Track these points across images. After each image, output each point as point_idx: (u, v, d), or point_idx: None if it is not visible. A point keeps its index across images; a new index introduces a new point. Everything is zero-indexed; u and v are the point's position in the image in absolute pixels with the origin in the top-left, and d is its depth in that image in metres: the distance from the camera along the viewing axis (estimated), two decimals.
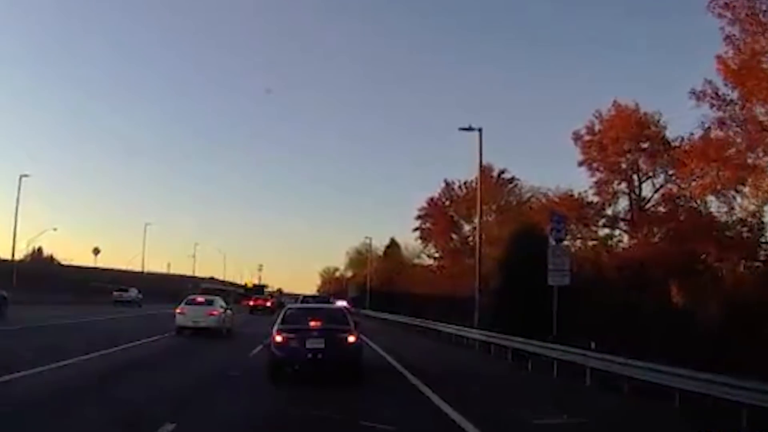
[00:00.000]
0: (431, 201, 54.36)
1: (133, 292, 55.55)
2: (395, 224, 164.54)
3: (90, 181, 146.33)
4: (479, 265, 26.84)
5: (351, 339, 12.22)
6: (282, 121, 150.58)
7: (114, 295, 53.47)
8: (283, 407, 10.16)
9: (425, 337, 30.74)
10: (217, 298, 26.37)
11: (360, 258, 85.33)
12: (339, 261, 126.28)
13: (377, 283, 70.46)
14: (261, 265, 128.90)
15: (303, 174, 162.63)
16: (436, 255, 56.20)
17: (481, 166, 26.94)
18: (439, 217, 53.60)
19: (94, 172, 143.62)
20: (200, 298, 25.40)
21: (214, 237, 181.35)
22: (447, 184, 54.57)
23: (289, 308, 14.72)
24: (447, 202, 53.82)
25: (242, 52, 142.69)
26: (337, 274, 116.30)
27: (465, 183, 54.57)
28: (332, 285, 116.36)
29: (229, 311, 25.59)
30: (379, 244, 77.54)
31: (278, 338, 11.94)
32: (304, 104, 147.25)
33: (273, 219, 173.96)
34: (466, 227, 53.46)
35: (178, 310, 23.43)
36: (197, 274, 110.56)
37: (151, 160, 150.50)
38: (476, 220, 31.69)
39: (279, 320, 12.85)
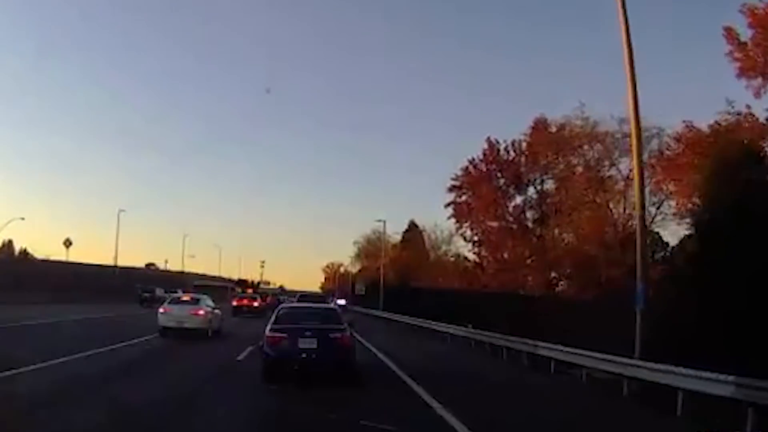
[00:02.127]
0: (472, 164, 40.80)
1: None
2: (407, 218, 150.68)
3: (83, 175, 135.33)
4: (643, 238, 13.34)
5: (344, 339, 11.77)
6: (284, 114, 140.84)
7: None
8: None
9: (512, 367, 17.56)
10: (204, 296, 24.54)
11: (370, 248, 72.00)
12: (345, 257, 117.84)
13: (393, 278, 57.09)
14: (263, 262, 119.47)
15: (306, 169, 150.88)
16: (476, 238, 42.64)
17: (627, 29, 13.45)
18: (483, 186, 40.04)
19: (88, 166, 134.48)
20: (186, 297, 24.46)
21: (217, 235, 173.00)
22: (490, 144, 41.17)
23: (282, 308, 14.16)
24: (492, 167, 40.31)
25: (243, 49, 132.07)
26: (342, 269, 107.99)
27: (513, 143, 41.34)
28: (337, 281, 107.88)
29: (217, 311, 23.68)
30: (392, 232, 64.18)
31: (271, 338, 11.70)
32: (306, 96, 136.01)
33: (277, 215, 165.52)
34: (518, 199, 40.00)
35: (161, 310, 22.15)
36: (196, 270, 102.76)
37: (150, 155, 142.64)
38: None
39: (272, 320, 12.47)
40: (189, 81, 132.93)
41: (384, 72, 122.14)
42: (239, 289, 66.66)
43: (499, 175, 40.51)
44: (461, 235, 43.62)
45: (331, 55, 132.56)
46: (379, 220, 58.24)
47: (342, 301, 56.51)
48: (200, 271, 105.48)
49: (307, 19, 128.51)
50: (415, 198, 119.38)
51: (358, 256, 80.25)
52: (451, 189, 42.52)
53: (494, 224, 40.11)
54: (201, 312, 21.81)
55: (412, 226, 57.54)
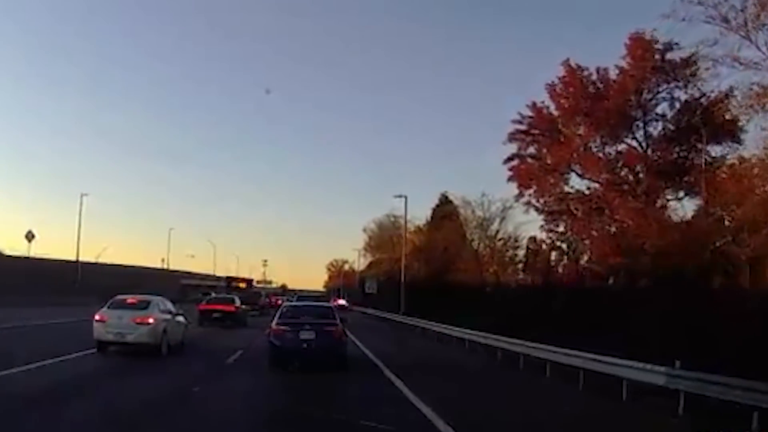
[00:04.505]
0: (552, 90, 27.19)
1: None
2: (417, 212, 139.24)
3: (80, 174, 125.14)
4: None
5: (337, 331, 14.05)
6: (287, 107, 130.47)
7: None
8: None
9: None
10: (157, 298, 18.26)
11: (384, 236, 58.68)
12: (352, 253, 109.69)
13: (415, 271, 43.74)
14: (266, 260, 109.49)
15: (307, 167, 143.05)
16: (546, 208, 29.05)
17: None
18: (569, 125, 26.48)
19: (86, 164, 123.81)
20: (131, 299, 17.73)
21: (217, 235, 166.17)
22: (570, 70, 27.51)
23: (285, 306, 16.89)
24: (581, 98, 26.62)
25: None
26: (347, 266, 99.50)
27: (598, 71, 27.84)
28: (341, 279, 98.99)
29: (180, 318, 18.58)
30: (410, 217, 50.71)
31: (277, 330, 14.03)
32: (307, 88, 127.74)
33: (279, 214, 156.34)
34: (626, 143, 26.34)
35: (96, 317, 16.84)
36: (194, 270, 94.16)
37: (150, 156, 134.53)
38: None
39: (277, 316, 14.73)
40: (189, 80, 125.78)
41: (384, 65, 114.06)
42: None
43: (585, 112, 27.02)
44: (526, 204, 29.87)
45: (331, 48, 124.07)
46: (399, 196, 44.02)
47: (342, 301, 55.75)
48: (201, 271, 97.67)
49: (307, 19, 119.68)
50: (423, 194, 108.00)
51: (368, 246, 66.80)
52: (514, 136, 28.99)
53: (586, 187, 26.64)
54: (150, 320, 16.74)
55: (445, 201, 43.41)
